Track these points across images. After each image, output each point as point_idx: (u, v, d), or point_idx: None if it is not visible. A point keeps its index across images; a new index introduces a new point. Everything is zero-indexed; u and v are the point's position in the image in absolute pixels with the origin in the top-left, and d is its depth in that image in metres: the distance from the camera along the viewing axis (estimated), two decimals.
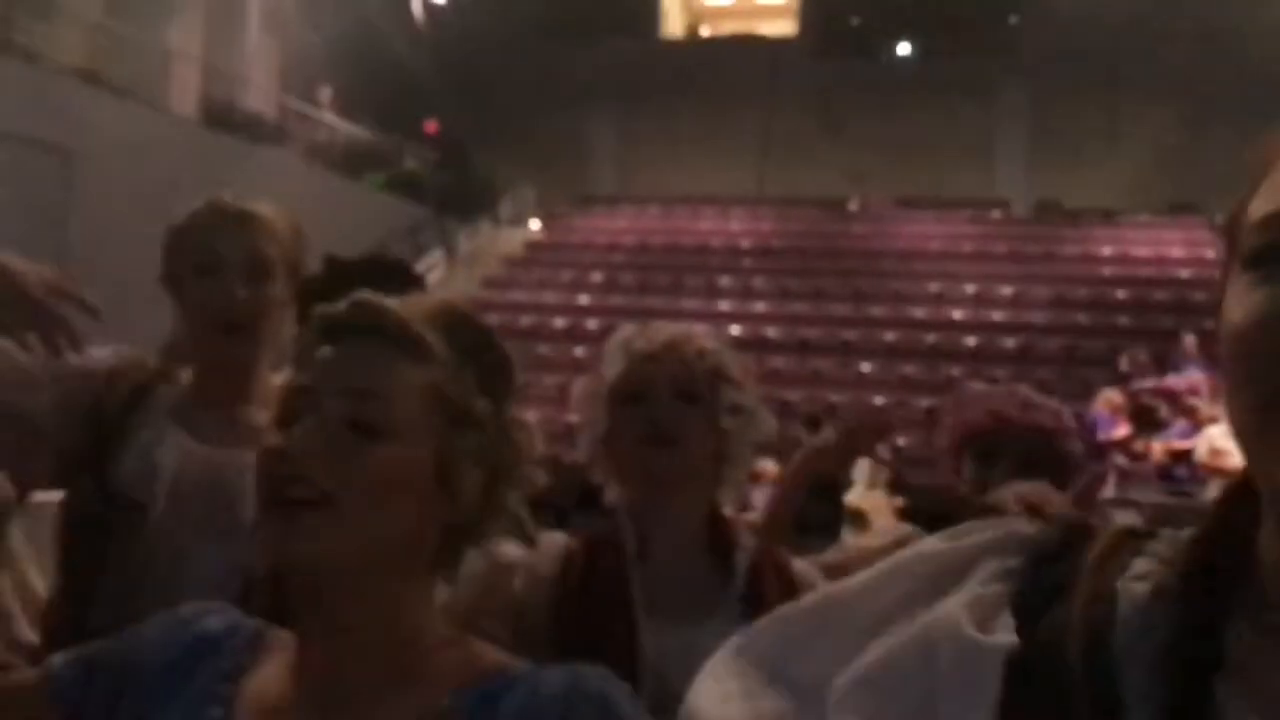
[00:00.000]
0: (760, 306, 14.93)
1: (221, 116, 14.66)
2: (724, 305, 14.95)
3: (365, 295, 0.93)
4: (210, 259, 1.60)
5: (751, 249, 16.81)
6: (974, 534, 0.67)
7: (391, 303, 0.93)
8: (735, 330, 13.76)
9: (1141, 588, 0.60)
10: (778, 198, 18.81)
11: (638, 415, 1.49)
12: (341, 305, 0.94)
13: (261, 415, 1.48)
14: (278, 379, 1.58)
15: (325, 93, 17.13)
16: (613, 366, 1.54)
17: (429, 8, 19.78)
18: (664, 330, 1.55)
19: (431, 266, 15.41)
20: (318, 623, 0.88)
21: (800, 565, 1.57)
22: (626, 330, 1.58)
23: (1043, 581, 0.62)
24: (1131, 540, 0.63)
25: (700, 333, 1.58)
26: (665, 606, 1.41)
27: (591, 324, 13.22)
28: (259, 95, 16.09)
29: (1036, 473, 1.88)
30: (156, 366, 1.67)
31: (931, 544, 0.68)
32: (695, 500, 1.50)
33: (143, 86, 13.22)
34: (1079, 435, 1.98)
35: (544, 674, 0.87)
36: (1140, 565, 0.61)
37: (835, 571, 1.63)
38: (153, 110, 13.17)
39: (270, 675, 0.90)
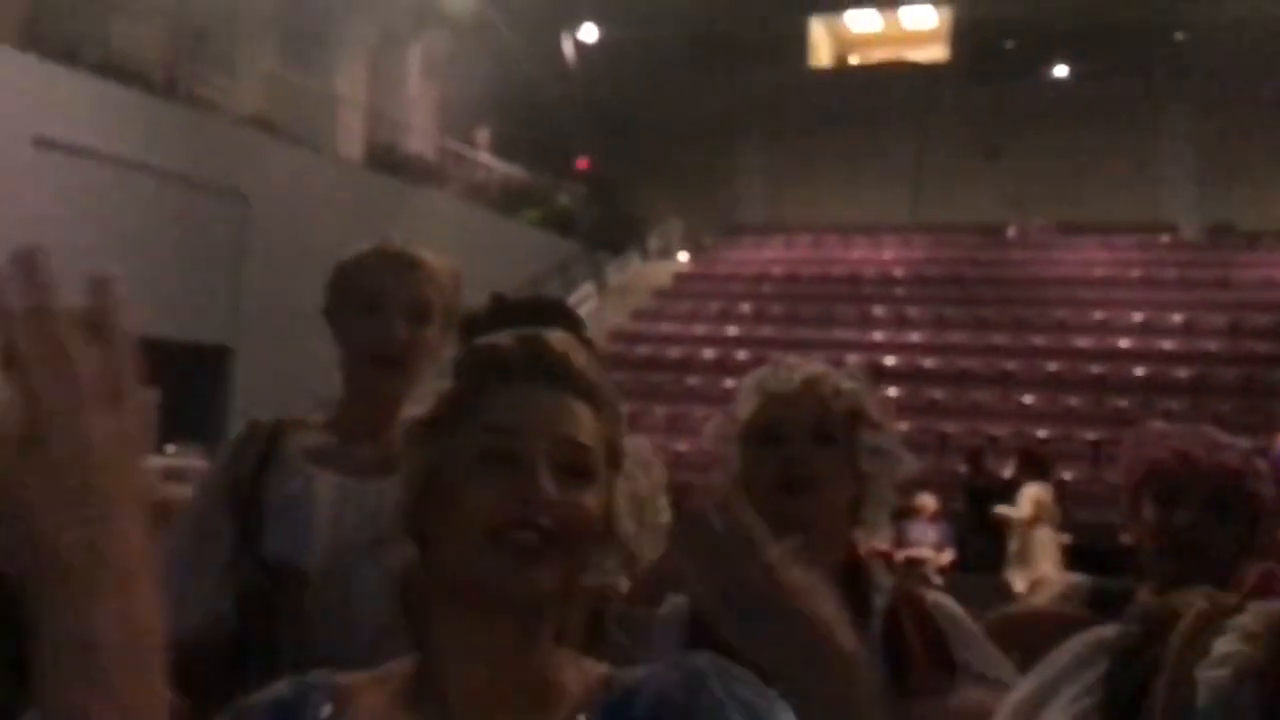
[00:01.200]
0: (915, 336, 14.61)
1: (384, 159, 15.28)
2: (878, 335, 14.69)
3: (541, 336, 0.95)
4: (374, 298, 1.67)
5: (905, 277, 16.50)
6: (1062, 658, 0.68)
7: (560, 344, 0.96)
8: (890, 361, 13.50)
9: (1221, 673, 0.58)
10: (932, 225, 18.45)
11: (772, 458, 1.45)
12: (514, 343, 0.95)
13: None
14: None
15: (482, 134, 17.68)
16: (746, 406, 1.51)
17: (579, 47, 20.22)
18: (799, 370, 1.51)
19: (583, 299, 15.66)
20: (472, 652, 0.89)
21: (935, 598, 1.50)
22: (761, 370, 1.54)
23: (1126, 683, 0.62)
24: (1214, 620, 0.62)
25: (837, 371, 1.53)
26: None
27: (741, 355, 13.16)
28: (419, 138, 16.70)
29: (1223, 516, 1.76)
30: (272, 422, 1.73)
31: (1026, 684, 0.70)
32: (832, 543, 1.44)
33: (312, 132, 13.90)
34: (1270, 477, 1.84)
35: (657, 672, 0.90)
36: (1221, 646, 0.60)
37: (1002, 631, 1.56)
38: (321, 155, 13.82)
39: (376, 711, 0.90)
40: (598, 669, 0.93)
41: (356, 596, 1.53)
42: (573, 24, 19.87)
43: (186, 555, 1.60)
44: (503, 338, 0.96)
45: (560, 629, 0.93)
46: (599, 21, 19.82)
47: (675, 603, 1.45)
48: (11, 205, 9.00)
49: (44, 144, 9.94)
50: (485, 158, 17.81)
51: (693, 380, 13.42)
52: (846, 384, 1.50)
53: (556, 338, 0.96)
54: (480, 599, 0.89)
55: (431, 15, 16.69)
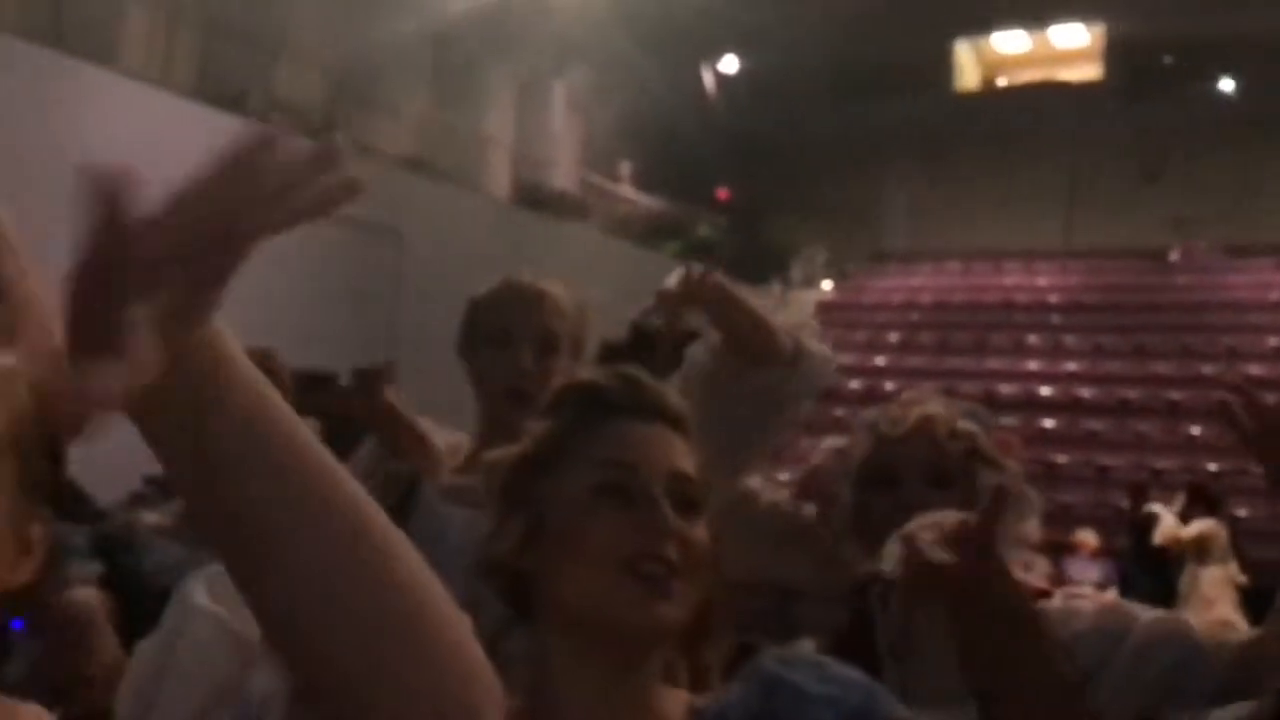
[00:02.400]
0: (1072, 365, 14.06)
1: (530, 195, 15.61)
2: (1032, 365, 14.20)
3: (636, 373, 0.99)
4: (503, 332, 1.70)
5: (1061, 304, 15.92)
6: None
7: (651, 380, 0.99)
8: (1045, 391, 13.02)
9: None
10: (1088, 250, 17.77)
11: (885, 502, 1.40)
12: (613, 380, 0.98)
13: None
14: None
15: (625, 168, 17.89)
16: (860, 447, 1.46)
17: (719, 78, 20.31)
18: (913, 409, 1.45)
19: None
20: (589, 685, 0.90)
21: None
22: (873, 410, 1.50)
23: None
24: None
25: (953, 408, 1.46)
26: (927, 700, 1.29)
27: (889, 386, 12.89)
28: (564, 174, 17.01)
29: None
30: (409, 470, 1.73)
31: None
32: None
33: (462, 171, 14.33)
34: None
35: (737, 691, 0.91)
36: None
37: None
38: (470, 192, 14.22)
39: None
40: (683, 696, 0.94)
41: (484, 628, 1.53)
42: (713, 55, 19.97)
43: None
44: (599, 374, 0.99)
45: (692, 661, 0.94)
46: (739, 52, 19.87)
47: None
48: None
49: None
50: (627, 191, 18.01)
51: (839, 411, 13.17)
52: (962, 424, 1.43)
53: (646, 373, 0.99)
54: (606, 632, 0.89)
55: (574, 53, 17.02)
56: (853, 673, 0.89)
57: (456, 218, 13.09)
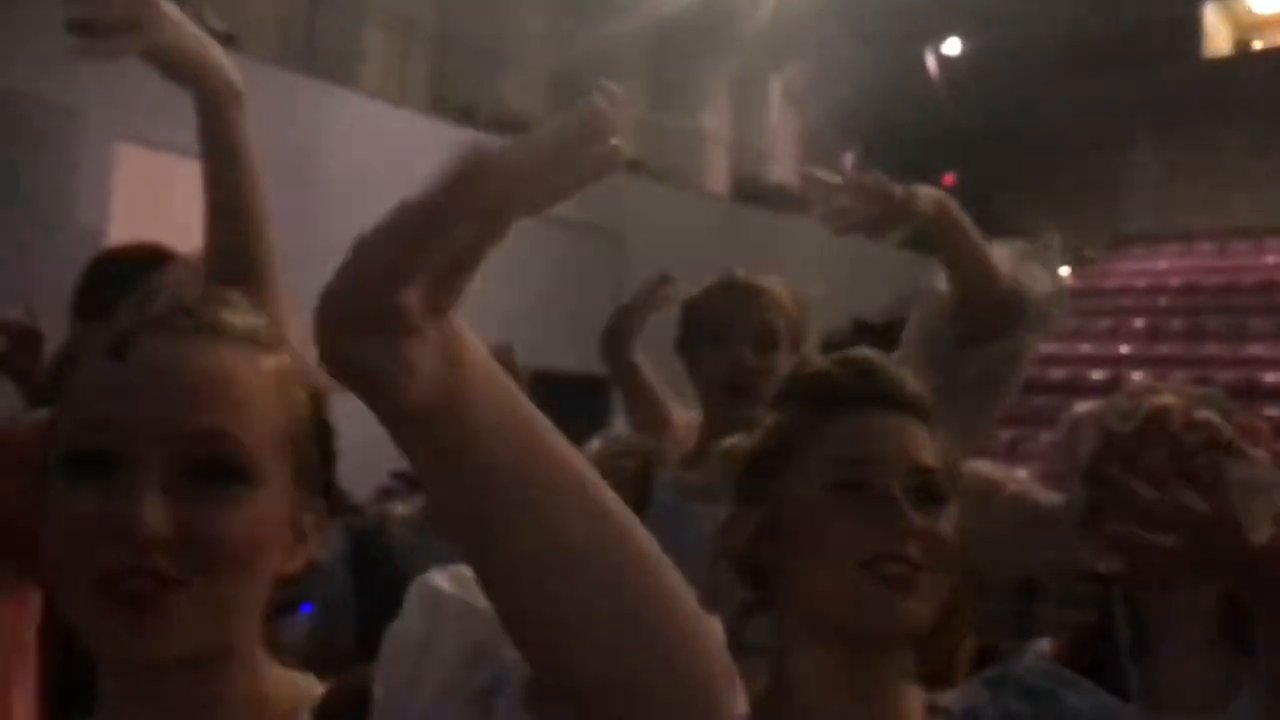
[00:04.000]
0: None
1: (750, 190, 15.60)
2: None
3: (869, 359, 0.94)
4: (720, 329, 1.70)
5: None
6: None
7: (887, 365, 0.94)
8: None
9: None
10: None
11: (1120, 499, 1.30)
12: (842, 369, 0.94)
13: None
14: None
15: (848, 158, 17.62)
16: (1086, 444, 1.38)
17: (942, 62, 19.67)
18: (1144, 401, 1.35)
19: None
20: (830, 684, 0.89)
21: None
22: (1100, 404, 1.42)
23: None
24: None
25: (1189, 398, 1.35)
26: (1172, 704, 1.24)
27: (1136, 376, 12.15)
28: (783, 167, 16.92)
29: None
30: (640, 465, 1.74)
31: None
32: (1203, 587, 1.28)
33: (680, 170, 14.48)
34: None
35: (980, 691, 0.93)
36: None
37: None
38: (689, 191, 14.35)
39: None
40: (923, 694, 0.92)
41: (724, 615, 1.53)
42: (935, 39, 19.37)
43: None
44: (827, 364, 0.95)
45: (935, 659, 0.91)
46: (963, 34, 19.19)
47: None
48: None
49: None
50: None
51: (1081, 404, 12.55)
52: (1200, 413, 1.30)
53: (881, 358, 0.94)
54: (847, 631, 0.87)
55: (791, 45, 16.89)
56: (1107, 698, 0.87)
57: (676, 217, 13.25)
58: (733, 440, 0.99)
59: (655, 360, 1.83)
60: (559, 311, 11.27)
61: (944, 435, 0.94)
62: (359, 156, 9.79)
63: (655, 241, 12.79)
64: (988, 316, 1.55)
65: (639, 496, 1.69)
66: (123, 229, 8.14)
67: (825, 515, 0.88)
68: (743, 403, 1.66)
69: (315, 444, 0.68)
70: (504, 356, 1.30)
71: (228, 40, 9.85)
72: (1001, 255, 1.59)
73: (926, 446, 0.91)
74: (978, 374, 1.55)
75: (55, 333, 2.12)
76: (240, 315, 0.67)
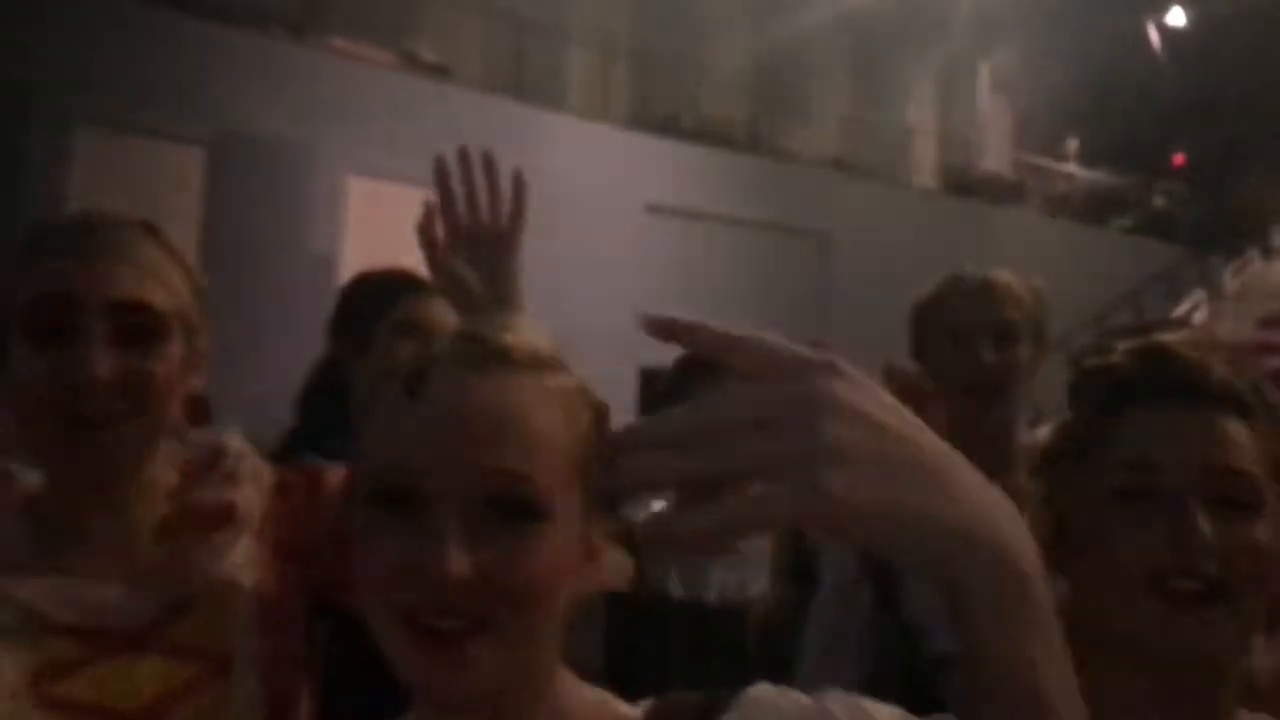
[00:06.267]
0: None
1: (959, 182, 15.11)
2: None
3: (1164, 345, 0.84)
4: (956, 329, 1.64)
5: None
6: None
7: (1189, 350, 0.83)
8: None
9: None
10: None
11: None
12: (1132, 359, 0.85)
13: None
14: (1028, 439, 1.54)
15: (1071, 143, 16.85)
16: None
17: (1165, 34, 18.49)
18: None
19: (1194, 308, 14.17)
20: (1122, 705, 0.82)
21: None
22: None
23: None
24: None
25: None
26: None
27: None
28: (994, 157, 16.31)
29: None
30: None
31: None
32: None
33: (886, 166, 14.17)
34: None
35: None
36: None
37: None
38: (896, 187, 14.02)
39: None
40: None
41: None
42: (1157, 11, 18.23)
43: (829, 623, 1.61)
44: (1117, 355, 0.86)
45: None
46: (1186, 3, 17.99)
47: None
48: (627, 267, 10.24)
49: (653, 210, 11.15)
50: (1068, 167, 16.90)
51: None
52: None
53: (1181, 345, 0.83)
54: (1134, 650, 0.80)
55: (998, 30, 16.27)
56: None
57: (883, 214, 12.97)
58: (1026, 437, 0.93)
59: (867, 363, 1.80)
60: (765, 317, 11.24)
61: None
62: (566, 173, 10.07)
63: (862, 241, 12.56)
64: None
65: None
66: (355, 256, 8.66)
67: (1109, 525, 0.81)
68: (986, 402, 1.62)
69: (599, 458, 0.68)
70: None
71: (440, 71, 10.35)
72: None
73: (1236, 445, 0.80)
74: None
75: (294, 351, 2.28)
76: (522, 338, 0.68)
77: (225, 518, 0.98)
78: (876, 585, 1.58)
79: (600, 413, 0.70)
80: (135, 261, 0.94)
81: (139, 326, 0.92)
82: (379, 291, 1.81)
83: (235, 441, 1.03)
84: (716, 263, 11.49)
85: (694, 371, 1.76)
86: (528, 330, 0.70)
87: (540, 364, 0.68)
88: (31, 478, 0.98)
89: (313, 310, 2.15)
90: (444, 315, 1.76)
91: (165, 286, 0.95)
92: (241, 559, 0.97)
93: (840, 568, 1.65)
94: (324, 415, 1.82)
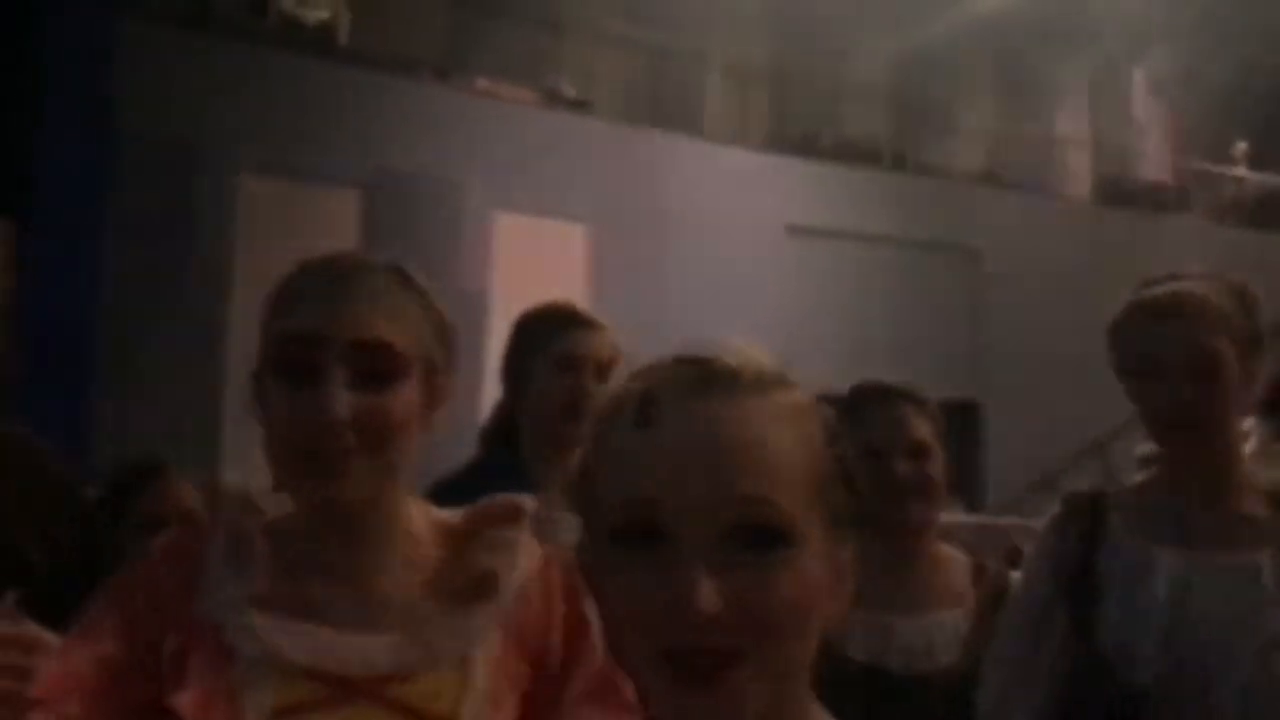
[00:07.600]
0: None
1: (1115, 192, 14.54)
2: None
3: None
4: (1145, 359, 1.48)
5: None
6: None
7: None
8: None
9: None
10: None
11: None
12: None
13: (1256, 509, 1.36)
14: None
15: (1239, 146, 16.03)
16: None
17: None
18: None
19: None
20: None
21: None
22: None
23: None
24: None
25: None
26: None
27: None
28: (1152, 164, 15.65)
29: None
30: (1091, 493, 1.59)
31: None
32: None
33: (1036, 177, 13.74)
34: None
35: None
36: None
37: None
38: (1048, 198, 13.58)
39: None
40: None
41: (1218, 698, 1.36)
42: None
43: (1018, 650, 1.50)
44: None
45: None
46: None
47: None
48: (767, 290, 10.19)
49: (794, 231, 11.07)
50: (1237, 171, 16.06)
51: None
52: None
53: None
54: None
55: (1152, 34, 15.62)
56: None
57: (1035, 227, 12.57)
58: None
59: (1021, 384, 1.69)
60: (915, 336, 10.99)
61: None
62: (706, 199, 10.09)
63: (1014, 255, 12.16)
64: None
65: (1090, 528, 1.52)
66: (503, 290, 8.86)
67: None
68: (1185, 440, 1.48)
69: (839, 479, 0.67)
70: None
71: (580, 105, 10.53)
72: None
73: None
74: None
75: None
76: (746, 358, 0.67)
77: (490, 587, 0.99)
78: (1074, 606, 1.46)
79: (829, 426, 0.68)
80: (378, 303, 0.98)
81: (378, 366, 0.96)
82: (536, 328, 1.83)
83: (530, 505, 1.05)
84: (862, 282, 11.32)
85: (860, 398, 1.72)
86: (749, 349, 0.68)
87: (767, 383, 0.67)
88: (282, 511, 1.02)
89: (469, 346, 2.19)
90: (603, 348, 1.78)
91: (406, 327, 0.99)
92: (485, 629, 0.98)
93: (1030, 588, 1.53)
94: (498, 456, 1.86)
